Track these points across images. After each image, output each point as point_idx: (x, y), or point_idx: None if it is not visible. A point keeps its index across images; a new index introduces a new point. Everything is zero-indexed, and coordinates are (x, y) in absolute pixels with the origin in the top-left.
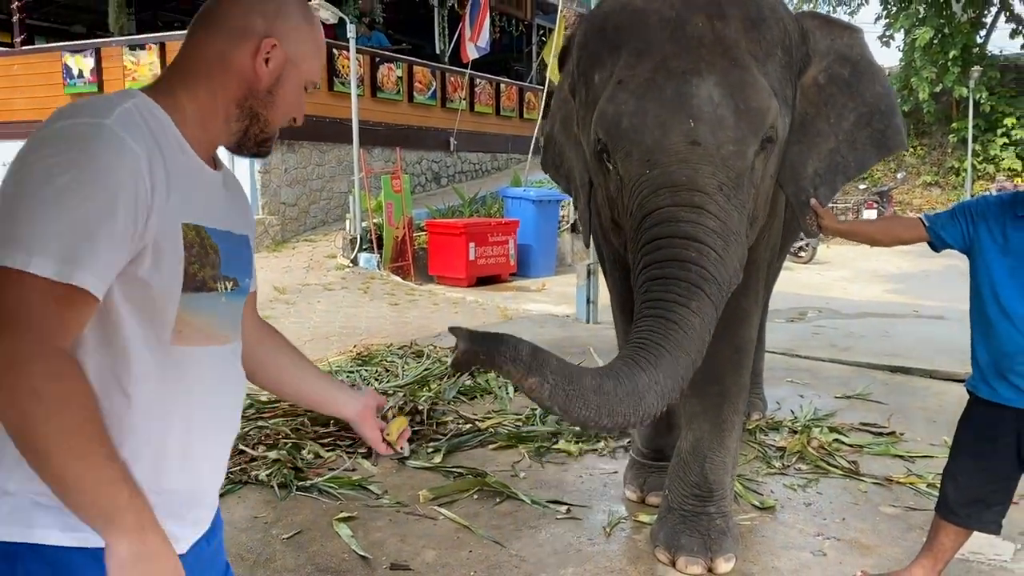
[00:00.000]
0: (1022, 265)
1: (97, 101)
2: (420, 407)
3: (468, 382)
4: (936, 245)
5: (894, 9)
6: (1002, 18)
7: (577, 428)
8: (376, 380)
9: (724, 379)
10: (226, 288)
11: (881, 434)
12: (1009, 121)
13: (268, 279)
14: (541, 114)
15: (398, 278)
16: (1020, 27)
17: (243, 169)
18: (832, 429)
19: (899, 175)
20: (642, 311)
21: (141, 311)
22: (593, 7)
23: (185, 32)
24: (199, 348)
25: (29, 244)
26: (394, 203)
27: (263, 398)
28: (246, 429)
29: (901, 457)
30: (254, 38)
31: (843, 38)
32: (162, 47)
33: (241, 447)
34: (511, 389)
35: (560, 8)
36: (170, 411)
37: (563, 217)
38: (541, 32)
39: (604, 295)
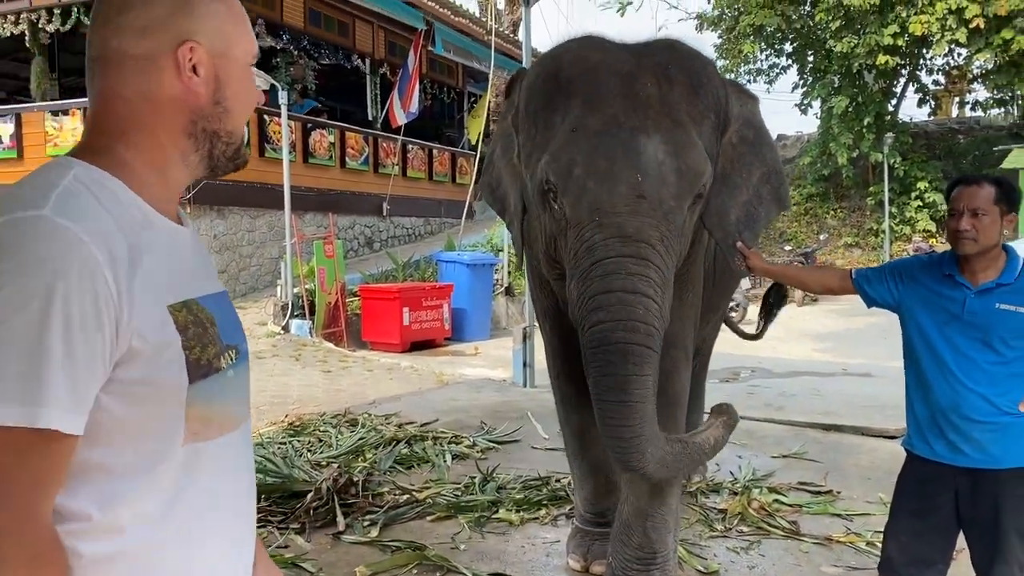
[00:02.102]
0: (952, 321)
1: (28, 185)
2: (355, 478)
3: (405, 451)
4: (867, 301)
5: (811, 79)
6: (910, 88)
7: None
8: (309, 451)
9: None
10: (231, 360)
11: (819, 493)
12: (922, 184)
13: None
14: (473, 179)
15: (331, 344)
16: (927, 96)
17: None
18: (771, 489)
19: (821, 236)
20: (599, 390)
21: (145, 421)
22: (544, 53)
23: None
24: (212, 442)
25: None
26: (326, 268)
27: None
28: None
29: (839, 516)
30: (168, 55)
31: (748, 105)
32: (86, 112)
33: None
34: (449, 457)
35: (491, 77)
36: (192, 525)
37: (497, 280)
38: (472, 99)
39: (541, 359)
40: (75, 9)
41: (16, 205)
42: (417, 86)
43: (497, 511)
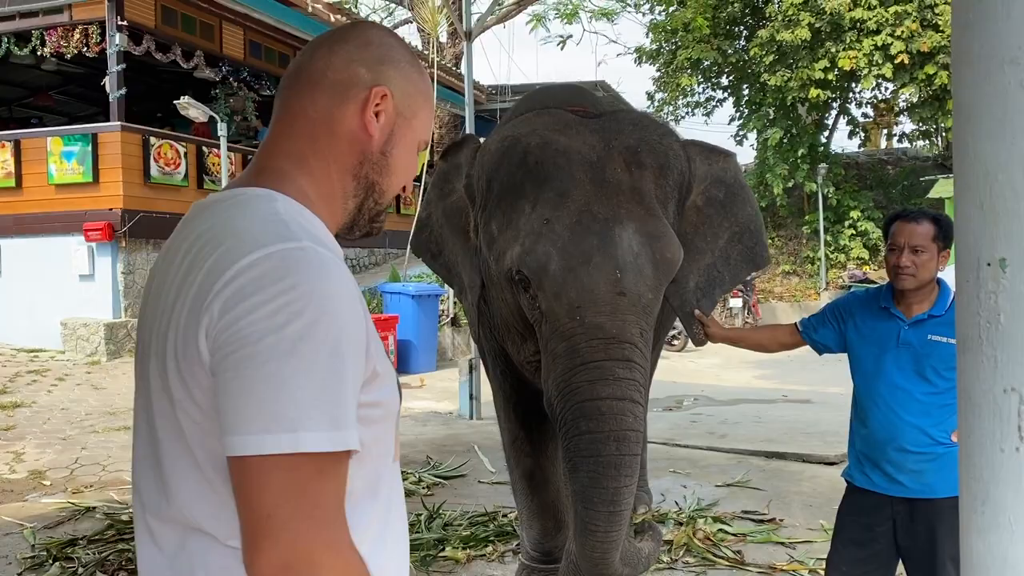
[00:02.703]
0: (887, 354)
1: (254, 218)
2: None
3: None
4: (817, 349)
5: (746, 111)
6: (841, 120)
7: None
8: None
9: None
10: None
11: (762, 521)
12: (854, 213)
13: (131, 388)
14: (418, 210)
15: None
16: (857, 128)
17: (105, 269)
18: (716, 519)
19: None
20: (587, 497)
21: (375, 442)
22: (505, 126)
23: (27, 127)
24: (397, 461)
25: (290, 418)
26: None
27: (124, 517)
28: (105, 554)
29: (783, 544)
30: (361, 90)
31: (719, 163)
32: (16, 144)
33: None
34: None
35: (434, 108)
36: (398, 541)
37: (443, 311)
38: None
39: (487, 391)
40: (4, 39)
41: (269, 238)
42: None
43: (443, 549)
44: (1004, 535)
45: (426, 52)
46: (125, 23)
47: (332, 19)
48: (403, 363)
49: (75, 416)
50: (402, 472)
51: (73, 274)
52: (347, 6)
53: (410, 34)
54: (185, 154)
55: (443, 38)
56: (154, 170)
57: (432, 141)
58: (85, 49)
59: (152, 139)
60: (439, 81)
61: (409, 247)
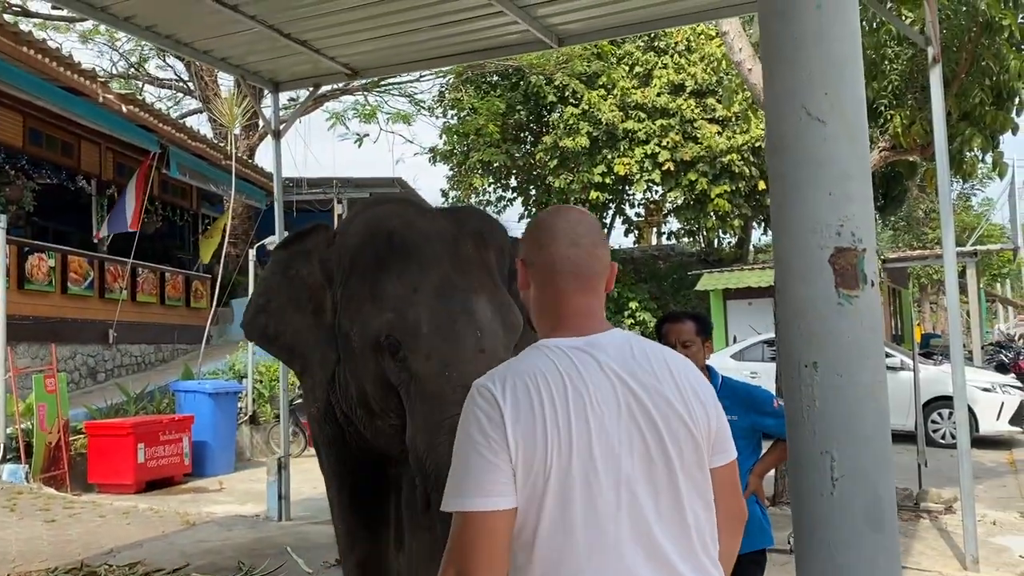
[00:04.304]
0: None
1: (636, 340)
2: None
3: None
4: None
5: (534, 211)
6: (618, 219)
7: None
8: None
9: None
10: None
11: None
12: (633, 304)
13: None
14: (214, 303)
15: (52, 490)
16: (632, 227)
17: None
18: None
19: None
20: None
21: None
22: (363, 215)
23: None
24: None
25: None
26: (47, 405)
27: None
28: None
29: None
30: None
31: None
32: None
33: None
34: None
35: (231, 200)
36: None
37: (242, 409)
38: (207, 221)
39: (296, 490)
40: None
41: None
42: (142, 207)
43: None
44: (827, 557)
45: (223, 144)
46: None
47: (124, 109)
48: (199, 466)
49: None
50: None
51: None
52: (139, 96)
53: (200, 124)
54: None
55: (237, 130)
56: None
57: (226, 231)
58: None
59: None
60: (237, 174)
61: (204, 343)
